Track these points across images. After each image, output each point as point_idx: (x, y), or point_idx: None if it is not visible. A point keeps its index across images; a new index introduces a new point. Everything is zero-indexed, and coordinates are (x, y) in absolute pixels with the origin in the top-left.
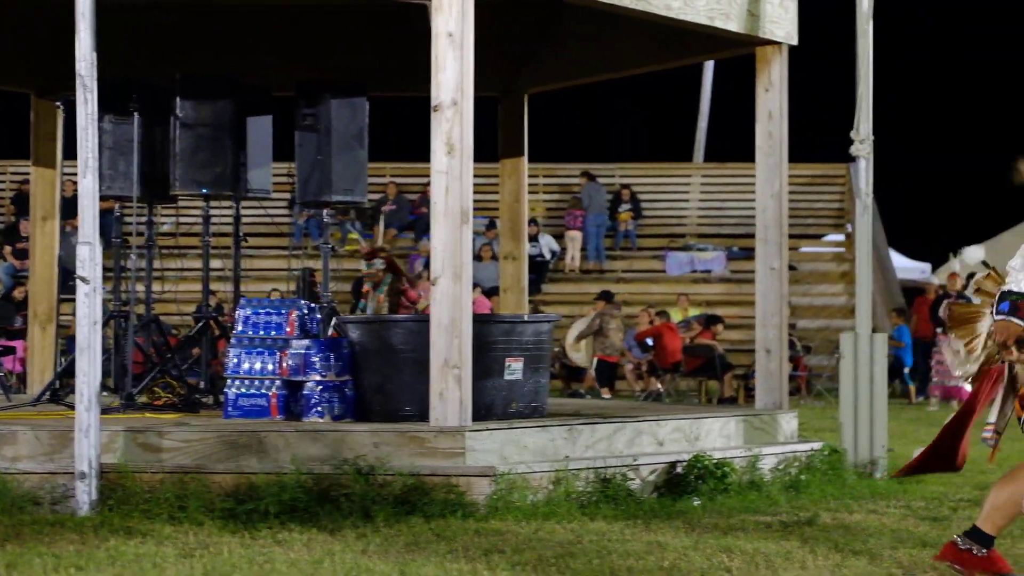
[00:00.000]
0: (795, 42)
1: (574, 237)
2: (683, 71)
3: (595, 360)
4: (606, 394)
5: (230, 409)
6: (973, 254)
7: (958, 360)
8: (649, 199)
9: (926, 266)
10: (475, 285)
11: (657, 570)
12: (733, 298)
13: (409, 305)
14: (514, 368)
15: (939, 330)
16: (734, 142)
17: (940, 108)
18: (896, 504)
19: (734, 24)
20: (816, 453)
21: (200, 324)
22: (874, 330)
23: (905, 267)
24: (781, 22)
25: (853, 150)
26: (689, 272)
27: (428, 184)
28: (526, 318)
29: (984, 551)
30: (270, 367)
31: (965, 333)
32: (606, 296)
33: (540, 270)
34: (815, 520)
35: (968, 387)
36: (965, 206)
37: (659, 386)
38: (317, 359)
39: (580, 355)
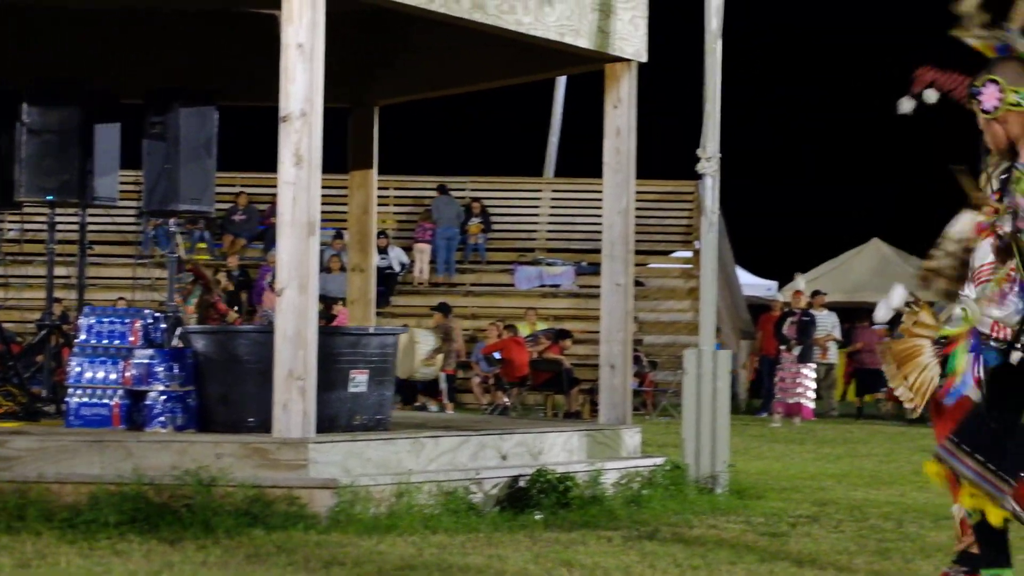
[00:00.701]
0: (645, 59)
1: (423, 250)
2: (535, 86)
3: (443, 375)
4: (451, 409)
5: (72, 418)
6: (899, 294)
7: (909, 400)
8: (499, 213)
9: (772, 283)
10: (340, 299)
11: None
12: (581, 313)
13: (218, 318)
14: (359, 380)
15: (783, 347)
16: (585, 157)
17: (788, 128)
18: (736, 519)
19: (584, 41)
20: (658, 468)
21: (43, 333)
22: (720, 346)
23: (752, 284)
24: (631, 39)
25: (700, 168)
26: (538, 286)
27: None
28: (372, 331)
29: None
30: (113, 376)
31: (911, 369)
32: (443, 308)
33: (389, 282)
34: (655, 535)
35: (811, 404)
36: (812, 225)
37: (506, 400)
38: (161, 369)
39: (431, 370)
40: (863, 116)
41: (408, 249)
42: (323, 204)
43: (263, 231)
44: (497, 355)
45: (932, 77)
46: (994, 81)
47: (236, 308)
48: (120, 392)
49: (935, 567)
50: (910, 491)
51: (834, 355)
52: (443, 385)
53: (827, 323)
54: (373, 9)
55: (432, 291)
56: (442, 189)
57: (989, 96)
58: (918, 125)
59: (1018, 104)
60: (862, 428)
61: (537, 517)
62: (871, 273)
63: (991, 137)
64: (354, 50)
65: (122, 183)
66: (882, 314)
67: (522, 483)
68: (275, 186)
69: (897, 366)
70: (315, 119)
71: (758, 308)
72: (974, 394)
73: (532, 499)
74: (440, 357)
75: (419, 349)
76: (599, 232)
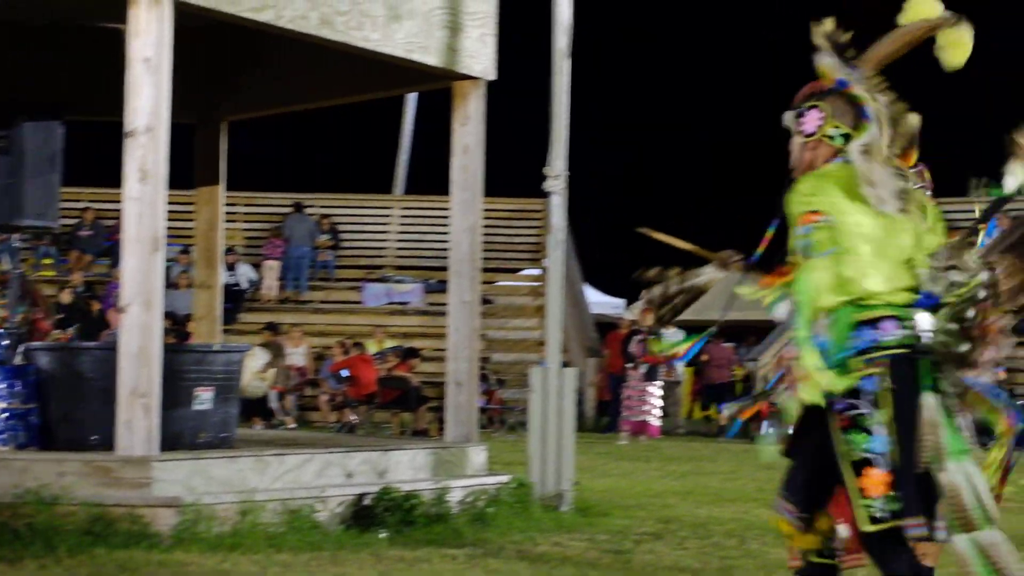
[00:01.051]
0: (493, 77)
1: (272, 266)
2: (385, 101)
3: (274, 392)
4: (292, 423)
5: None
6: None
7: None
8: (348, 230)
9: (620, 301)
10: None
11: None
12: (429, 330)
13: (40, 336)
14: (203, 398)
15: (629, 365)
16: (434, 175)
17: (637, 146)
18: (580, 537)
19: (432, 58)
20: (504, 486)
21: None
22: (567, 364)
23: (600, 302)
24: (479, 57)
25: (547, 186)
26: (386, 304)
27: None
28: (216, 348)
29: None
30: None
31: None
32: (272, 327)
33: (237, 299)
34: (500, 553)
35: (658, 422)
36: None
37: (353, 418)
38: (2, 386)
39: (262, 385)
40: (711, 135)
41: (257, 266)
42: (171, 220)
43: (109, 247)
44: (345, 372)
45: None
46: (820, 108)
47: (70, 327)
48: None
49: None
50: (754, 508)
51: (680, 373)
52: (273, 404)
53: (674, 341)
54: (221, 24)
55: (281, 308)
56: (297, 207)
57: (811, 121)
58: (764, 143)
59: (832, 138)
60: (708, 446)
61: (382, 535)
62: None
63: (797, 160)
64: (202, 65)
65: None
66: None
67: (367, 501)
68: (119, 201)
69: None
70: (161, 134)
71: (606, 326)
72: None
73: (377, 517)
74: (271, 372)
75: (249, 365)
76: (447, 249)
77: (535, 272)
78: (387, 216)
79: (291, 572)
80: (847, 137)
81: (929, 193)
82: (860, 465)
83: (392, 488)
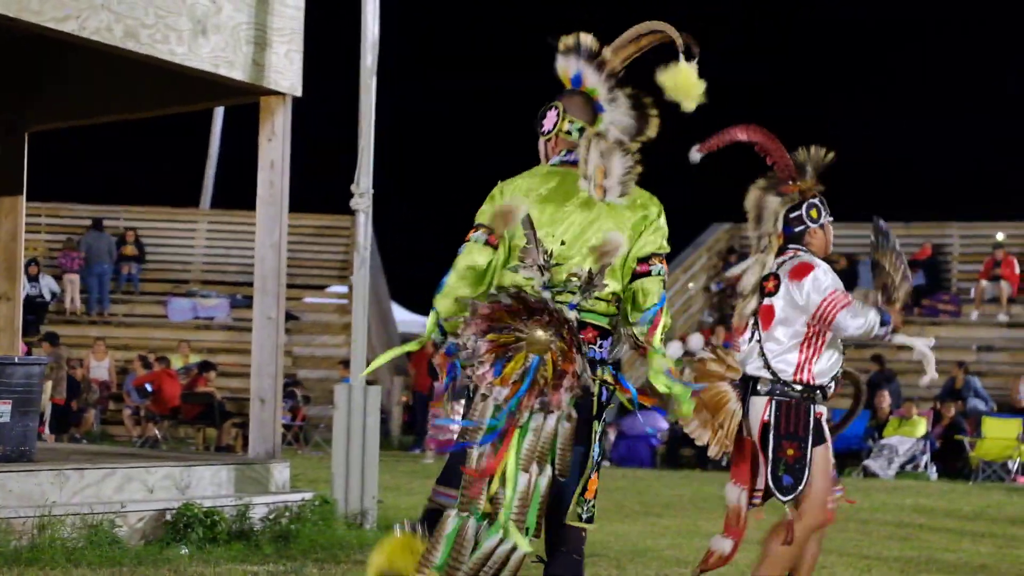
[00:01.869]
0: (299, 93)
1: (72, 280)
2: (194, 116)
3: (51, 404)
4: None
5: None
6: (695, 342)
7: (718, 443)
8: (154, 244)
9: (426, 319)
10: None
11: None
12: (236, 346)
13: None
14: (2, 411)
15: (435, 382)
16: (242, 190)
17: (444, 162)
18: None
19: (239, 73)
20: (307, 503)
21: None
22: (372, 383)
23: (408, 320)
24: (286, 73)
25: (353, 204)
26: (192, 318)
27: None
28: (16, 360)
29: None
30: None
31: (722, 417)
32: (51, 338)
33: (39, 311)
34: (302, 570)
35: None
36: None
37: (157, 432)
38: None
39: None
40: (519, 154)
41: (59, 278)
42: None
43: None
44: (148, 387)
45: (749, 138)
46: (556, 107)
47: None
48: None
49: None
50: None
51: None
52: (47, 415)
53: None
54: (24, 35)
55: (84, 320)
56: (96, 224)
57: (549, 119)
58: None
59: (569, 133)
60: None
61: (183, 552)
62: None
63: (543, 158)
64: (5, 75)
65: None
66: (674, 351)
67: (168, 517)
68: None
69: (711, 414)
70: None
71: None
72: None
73: (179, 533)
74: (49, 385)
75: None
76: (253, 265)
77: (342, 289)
78: (193, 230)
79: None
80: (583, 131)
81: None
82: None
83: (194, 504)
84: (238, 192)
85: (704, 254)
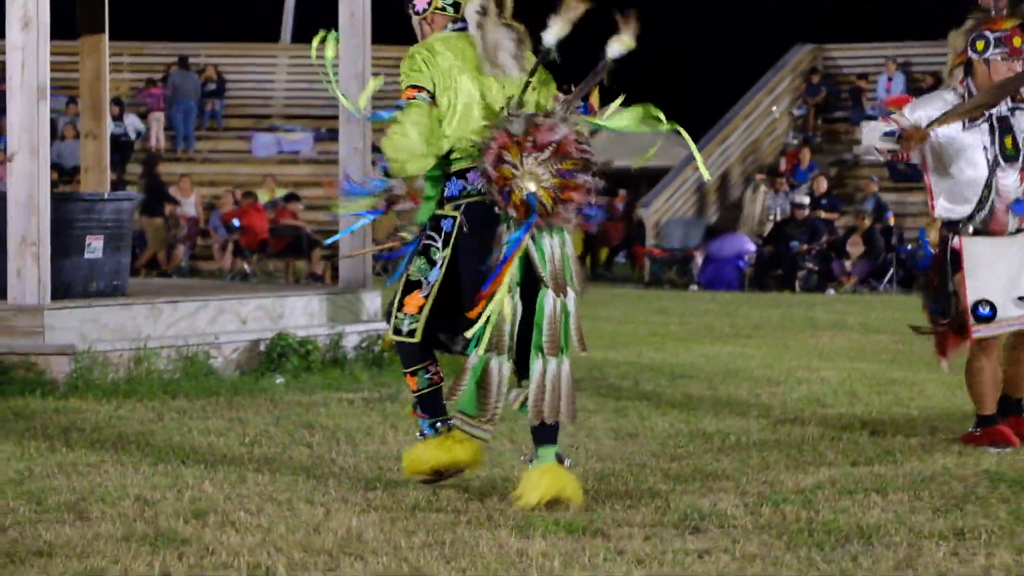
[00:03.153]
0: None
1: (157, 118)
2: None
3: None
4: None
5: None
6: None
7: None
8: (235, 79)
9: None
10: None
11: (237, 444)
12: (320, 179)
13: None
14: (94, 246)
15: None
16: (322, 22)
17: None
18: None
19: None
20: None
21: None
22: None
23: None
24: None
25: None
26: (276, 153)
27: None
28: (106, 196)
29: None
30: None
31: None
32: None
33: (125, 150)
34: (396, 397)
35: None
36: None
37: (245, 266)
38: None
39: None
40: None
41: (144, 116)
42: (54, 71)
43: None
44: (236, 222)
45: None
46: None
47: None
48: None
49: (670, 424)
50: (647, 351)
51: None
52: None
53: None
54: None
55: (169, 158)
56: (182, 62)
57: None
58: None
59: (443, 8)
60: (601, 291)
61: (278, 381)
62: (611, 138)
63: (420, 36)
64: None
65: None
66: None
67: (262, 347)
68: (2, 52)
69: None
70: None
71: None
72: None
73: (273, 363)
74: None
75: None
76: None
77: None
78: (274, 65)
79: (187, 418)
80: (457, 6)
81: None
82: (412, 286)
83: (287, 334)
84: (319, 25)
85: (787, 76)
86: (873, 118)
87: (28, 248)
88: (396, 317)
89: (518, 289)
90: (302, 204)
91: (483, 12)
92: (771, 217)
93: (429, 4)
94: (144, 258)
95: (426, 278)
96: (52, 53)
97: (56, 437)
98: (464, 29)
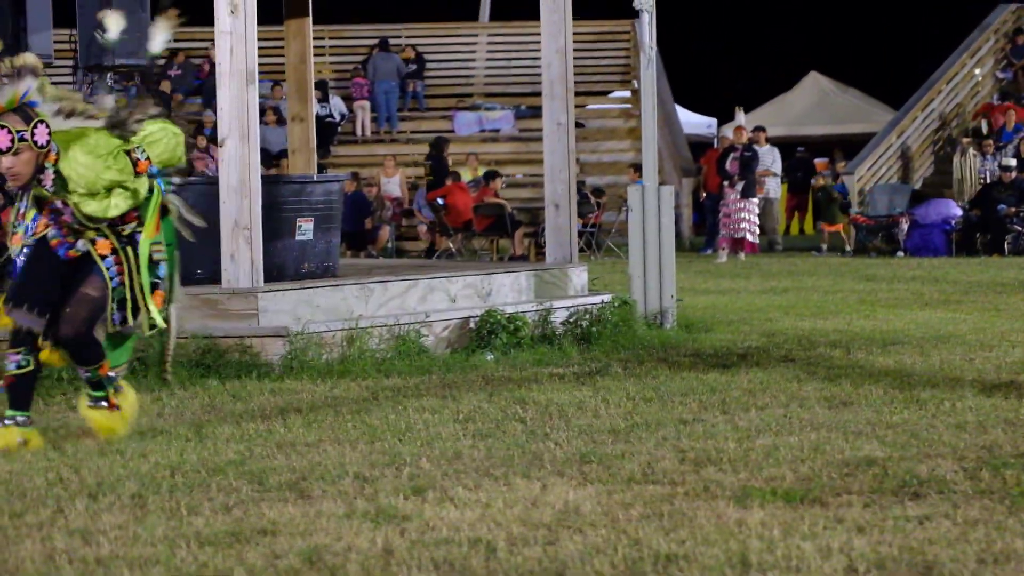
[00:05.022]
0: None
1: (363, 106)
2: None
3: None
4: None
5: None
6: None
7: None
8: (435, 59)
9: (712, 120)
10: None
11: (452, 421)
12: (522, 157)
13: None
14: (305, 228)
15: (726, 183)
16: (519, 0)
17: None
18: (685, 353)
19: None
20: (607, 305)
21: None
22: (662, 184)
23: (691, 122)
24: None
25: (636, 4)
26: (478, 132)
27: (212, 47)
28: (315, 178)
29: None
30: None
31: None
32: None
33: (329, 132)
34: (607, 370)
35: (755, 239)
36: (750, 62)
37: (451, 245)
38: None
39: None
40: None
41: (348, 99)
42: (260, 56)
43: (199, 85)
44: (440, 201)
45: None
46: (3, 126)
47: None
48: None
49: (884, 391)
50: (856, 319)
51: (775, 190)
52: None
53: (767, 159)
54: None
55: (372, 139)
56: (383, 44)
57: (3, 139)
58: None
59: (23, 139)
60: (806, 260)
61: (489, 357)
62: (811, 107)
63: (17, 172)
64: None
65: (56, 40)
66: None
67: (472, 324)
68: (210, 40)
69: None
70: None
71: (698, 146)
72: None
73: (483, 340)
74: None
75: None
76: (537, 75)
77: (625, 94)
78: (475, 43)
79: (401, 396)
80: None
81: None
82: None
83: (496, 311)
84: (515, 3)
85: (991, 36)
86: None
87: (241, 232)
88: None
89: None
90: (503, 181)
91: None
92: (980, 180)
93: (12, 142)
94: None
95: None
96: (258, 38)
97: (273, 418)
98: None
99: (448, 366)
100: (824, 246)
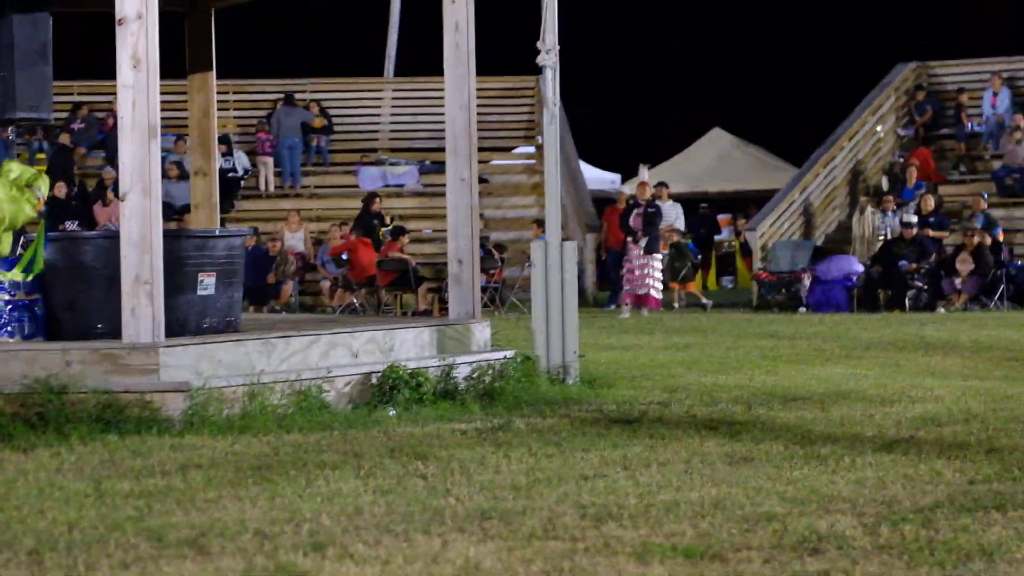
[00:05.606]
0: None
1: (266, 162)
2: None
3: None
4: None
5: None
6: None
7: None
8: (341, 114)
9: (616, 176)
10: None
11: (353, 477)
12: (427, 212)
13: None
14: (207, 283)
15: (629, 239)
16: (424, 56)
17: (625, 22)
18: (588, 409)
19: None
20: (509, 361)
21: None
22: (566, 239)
23: (596, 178)
24: None
25: (540, 60)
26: (382, 186)
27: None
28: (217, 232)
29: None
30: None
31: None
32: None
33: (233, 187)
34: (509, 426)
35: (659, 295)
36: (654, 118)
37: (354, 300)
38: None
39: None
40: (703, 3)
41: (251, 153)
42: (163, 110)
43: (102, 139)
44: (344, 256)
45: None
46: None
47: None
48: None
49: (785, 446)
50: (758, 375)
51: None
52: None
53: (671, 214)
54: None
55: (276, 194)
56: (288, 99)
57: None
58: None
59: None
60: (710, 316)
61: (391, 413)
62: (714, 163)
63: None
64: None
65: None
66: None
67: (374, 380)
68: (113, 93)
69: None
70: (151, 21)
71: (603, 202)
72: None
73: (385, 395)
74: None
75: None
76: (442, 130)
77: (529, 150)
78: (379, 99)
79: (302, 452)
80: None
81: None
82: None
83: (399, 366)
84: (420, 59)
85: (892, 94)
86: None
87: (142, 286)
88: None
89: None
90: (408, 237)
91: None
92: (880, 237)
93: None
94: None
95: None
96: (161, 92)
97: (173, 474)
98: None
99: (350, 422)
100: (676, 304)
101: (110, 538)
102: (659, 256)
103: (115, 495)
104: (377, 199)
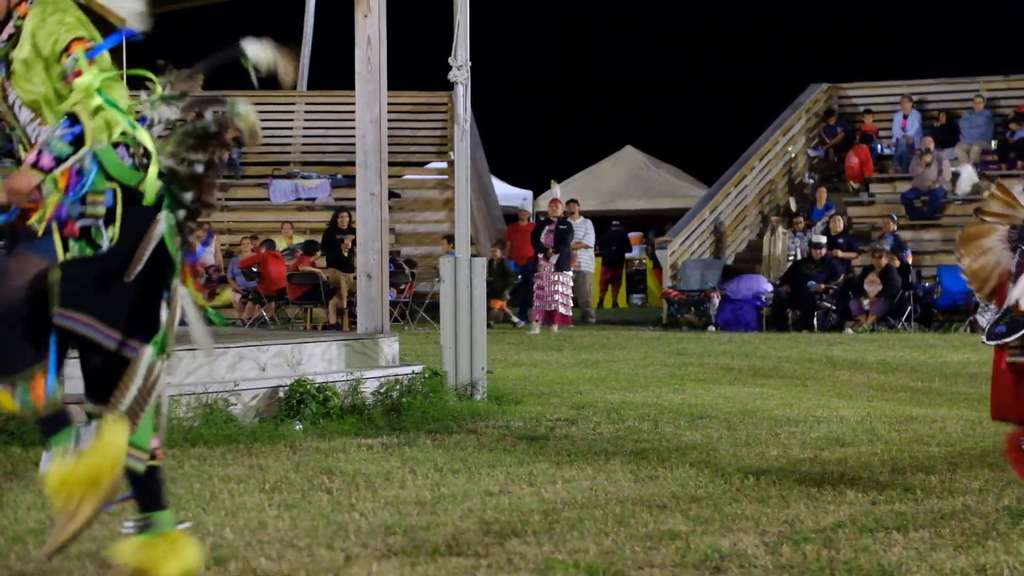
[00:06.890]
0: None
1: None
2: None
3: None
4: None
5: None
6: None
7: (973, 285)
8: None
9: (528, 193)
10: None
11: (258, 491)
12: None
13: None
14: None
15: (540, 255)
16: (337, 69)
17: (540, 36)
18: (495, 424)
19: None
20: (417, 376)
21: None
22: (475, 255)
23: (508, 194)
24: None
25: (451, 76)
26: (294, 200)
27: None
28: None
29: None
30: None
31: (970, 250)
32: None
33: None
34: (415, 441)
35: (568, 312)
36: (566, 135)
37: (264, 314)
38: None
39: None
40: (616, 21)
41: None
42: None
43: (11, 148)
44: (254, 269)
45: None
46: None
47: None
48: None
49: (690, 464)
50: (665, 393)
51: (588, 263)
52: None
53: (580, 231)
54: None
55: None
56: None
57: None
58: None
59: None
60: (619, 334)
61: (297, 427)
62: (626, 181)
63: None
64: None
65: None
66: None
67: (281, 394)
68: None
69: (960, 244)
70: None
71: (514, 218)
72: None
73: (292, 409)
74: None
75: None
76: (353, 144)
77: (441, 165)
78: (292, 112)
79: (207, 465)
80: None
81: None
82: None
83: (306, 380)
84: (334, 72)
85: (803, 115)
86: None
87: None
88: None
89: None
90: (319, 252)
91: None
92: (789, 257)
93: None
94: None
95: None
96: None
97: None
98: None
99: (256, 435)
100: (492, 323)
101: (11, 551)
102: (570, 273)
103: (16, 507)
104: (344, 214)
